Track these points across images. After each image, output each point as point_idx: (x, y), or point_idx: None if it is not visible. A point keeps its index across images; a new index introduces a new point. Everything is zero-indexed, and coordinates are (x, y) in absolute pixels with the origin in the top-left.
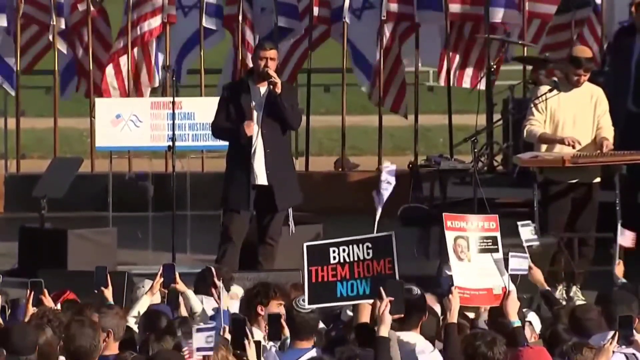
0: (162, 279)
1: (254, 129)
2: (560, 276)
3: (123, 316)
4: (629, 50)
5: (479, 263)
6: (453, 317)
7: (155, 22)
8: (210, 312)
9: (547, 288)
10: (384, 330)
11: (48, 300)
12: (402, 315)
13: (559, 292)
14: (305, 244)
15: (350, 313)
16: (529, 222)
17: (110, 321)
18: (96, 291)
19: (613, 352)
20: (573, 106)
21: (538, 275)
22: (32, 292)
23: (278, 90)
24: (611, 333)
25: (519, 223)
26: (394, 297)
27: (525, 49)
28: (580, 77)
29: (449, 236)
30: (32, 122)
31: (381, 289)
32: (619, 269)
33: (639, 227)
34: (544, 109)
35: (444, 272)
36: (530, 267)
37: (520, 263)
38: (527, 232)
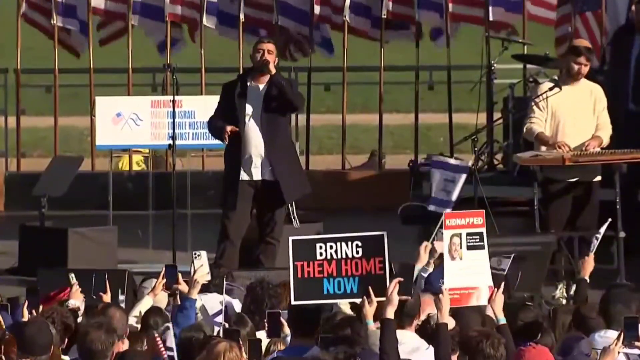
0: (164, 280)
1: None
2: (561, 275)
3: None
4: (628, 48)
5: (467, 261)
6: (444, 317)
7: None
8: (211, 309)
9: (587, 278)
10: (391, 312)
11: (76, 294)
12: (409, 298)
13: (559, 291)
14: (290, 238)
15: (348, 311)
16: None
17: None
18: (94, 297)
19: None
20: (573, 104)
21: (589, 266)
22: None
23: (272, 70)
24: (615, 333)
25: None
26: (404, 278)
27: (525, 47)
28: (580, 67)
29: (447, 235)
30: (33, 121)
31: (370, 288)
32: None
33: (639, 226)
34: (545, 106)
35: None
36: (587, 255)
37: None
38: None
